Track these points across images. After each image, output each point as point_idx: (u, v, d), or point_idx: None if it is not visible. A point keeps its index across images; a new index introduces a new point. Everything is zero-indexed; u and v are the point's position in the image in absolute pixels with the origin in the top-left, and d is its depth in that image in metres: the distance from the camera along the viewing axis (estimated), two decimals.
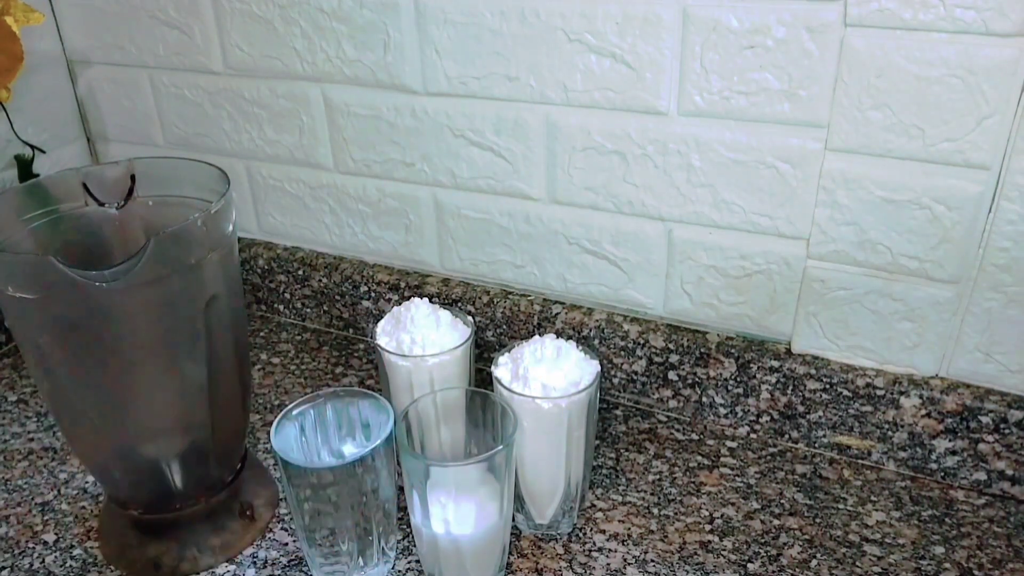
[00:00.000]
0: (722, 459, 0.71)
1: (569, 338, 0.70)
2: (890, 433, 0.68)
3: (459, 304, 0.81)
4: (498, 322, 0.80)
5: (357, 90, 0.78)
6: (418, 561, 0.61)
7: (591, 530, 0.64)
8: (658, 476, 0.69)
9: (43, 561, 0.63)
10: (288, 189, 0.88)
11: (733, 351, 0.71)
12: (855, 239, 0.64)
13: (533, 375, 0.58)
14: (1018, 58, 0.55)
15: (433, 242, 0.83)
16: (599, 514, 0.65)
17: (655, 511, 0.66)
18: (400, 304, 0.69)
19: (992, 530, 0.63)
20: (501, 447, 0.53)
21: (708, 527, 0.64)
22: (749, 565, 0.60)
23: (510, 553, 0.61)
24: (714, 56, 0.63)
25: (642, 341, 0.74)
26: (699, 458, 0.71)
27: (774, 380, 0.70)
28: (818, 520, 0.64)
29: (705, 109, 0.65)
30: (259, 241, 0.93)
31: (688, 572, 0.60)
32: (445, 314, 0.68)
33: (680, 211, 0.70)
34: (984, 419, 0.64)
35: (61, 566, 0.62)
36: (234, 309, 0.59)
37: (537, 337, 0.62)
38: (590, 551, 0.62)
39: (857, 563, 0.60)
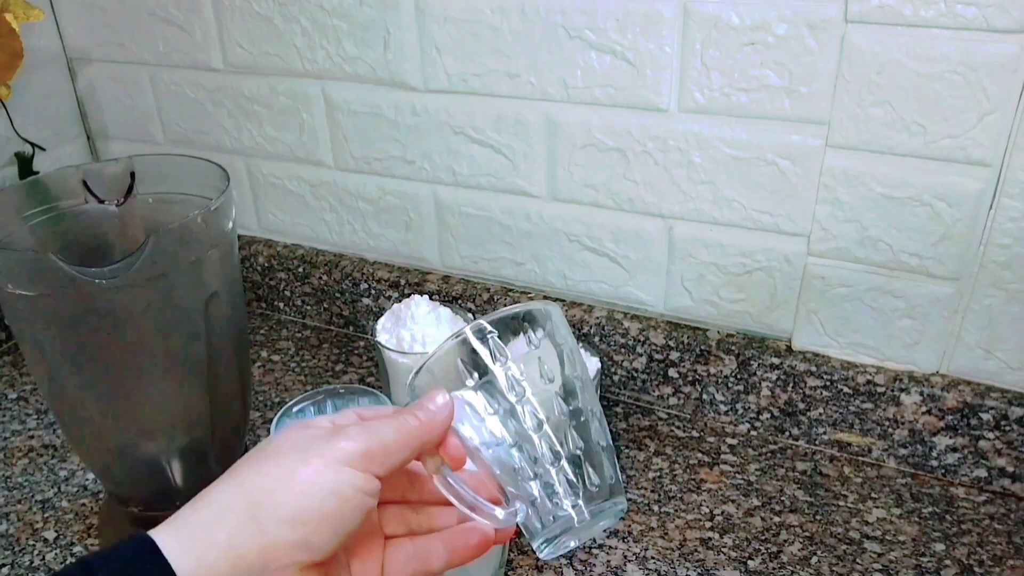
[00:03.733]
0: (722, 456, 0.71)
1: None
2: (890, 430, 0.68)
3: (459, 301, 0.81)
4: None
5: (357, 87, 0.78)
6: None
7: None
8: (658, 473, 0.69)
9: (43, 558, 0.63)
10: (288, 187, 0.88)
11: (733, 348, 0.71)
12: (856, 236, 0.64)
13: None
14: (1019, 54, 0.55)
15: (433, 239, 0.83)
16: None
17: (655, 508, 0.66)
18: (400, 301, 0.69)
19: (992, 527, 0.63)
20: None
21: (708, 524, 0.64)
22: (749, 562, 0.60)
23: (511, 550, 0.61)
24: (715, 53, 0.63)
25: (642, 338, 0.74)
26: (699, 455, 0.71)
27: (774, 377, 0.70)
28: (818, 517, 0.64)
29: (706, 106, 0.65)
30: (259, 239, 0.93)
31: (688, 569, 0.60)
32: (445, 311, 0.68)
33: (681, 208, 0.70)
34: (985, 416, 0.64)
35: (61, 563, 0.62)
36: (234, 306, 0.59)
37: None
38: (590, 548, 0.62)
39: (857, 560, 0.60)
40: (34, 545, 0.64)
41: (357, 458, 0.35)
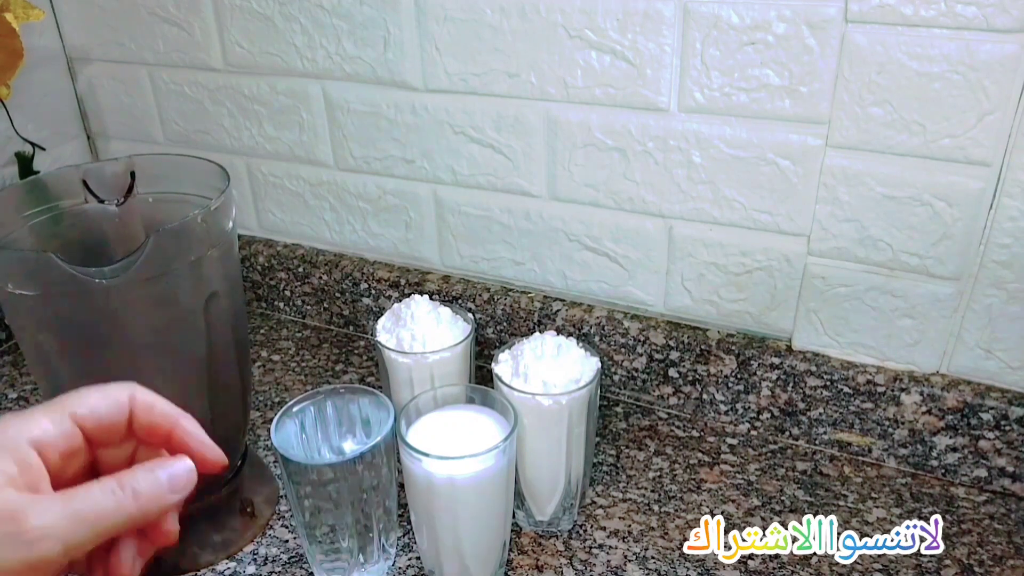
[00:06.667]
0: (722, 456, 0.71)
1: (569, 335, 0.69)
2: (891, 430, 0.68)
3: (459, 301, 0.81)
4: (498, 319, 0.80)
5: (357, 87, 0.78)
6: (418, 558, 0.61)
7: (591, 527, 0.64)
8: (658, 473, 0.69)
9: None
10: (288, 186, 0.88)
11: (734, 348, 0.71)
12: (856, 236, 0.64)
13: (533, 372, 0.58)
14: (1019, 54, 0.54)
15: (433, 239, 0.83)
16: (599, 511, 0.65)
17: (655, 508, 0.66)
18: (400, 301, 0.69)
19: (992, 527, 0.63)
20: (501, 444, 0.53)
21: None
22: (750, 562, 0.60)
23: (510, 550, 0.61)
24: (715, 52, 0.63)
25: (642, 338, 0.74)
26: (699, 455, 0.71)
27: (775, 377, 0.70)
28: (819, 517, 0.64)
29: (706, 105, 0.65)
30: (259, 238, 0.93)
31: (688, 569, 0.60)
32: (445, 311, 0.68)
33: (681, 208, 0.70)
34: (985, 416, 0.64)
35: None
36: (234, 306, 0.59)
37: (537, 334, 0.62)
38: (590, 548, 0.62)
39: (858, 560, 0.60)
40: None
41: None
